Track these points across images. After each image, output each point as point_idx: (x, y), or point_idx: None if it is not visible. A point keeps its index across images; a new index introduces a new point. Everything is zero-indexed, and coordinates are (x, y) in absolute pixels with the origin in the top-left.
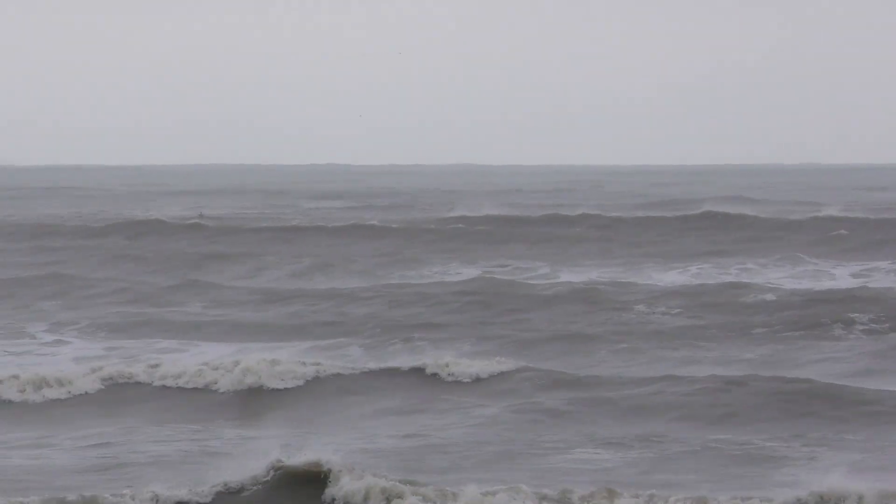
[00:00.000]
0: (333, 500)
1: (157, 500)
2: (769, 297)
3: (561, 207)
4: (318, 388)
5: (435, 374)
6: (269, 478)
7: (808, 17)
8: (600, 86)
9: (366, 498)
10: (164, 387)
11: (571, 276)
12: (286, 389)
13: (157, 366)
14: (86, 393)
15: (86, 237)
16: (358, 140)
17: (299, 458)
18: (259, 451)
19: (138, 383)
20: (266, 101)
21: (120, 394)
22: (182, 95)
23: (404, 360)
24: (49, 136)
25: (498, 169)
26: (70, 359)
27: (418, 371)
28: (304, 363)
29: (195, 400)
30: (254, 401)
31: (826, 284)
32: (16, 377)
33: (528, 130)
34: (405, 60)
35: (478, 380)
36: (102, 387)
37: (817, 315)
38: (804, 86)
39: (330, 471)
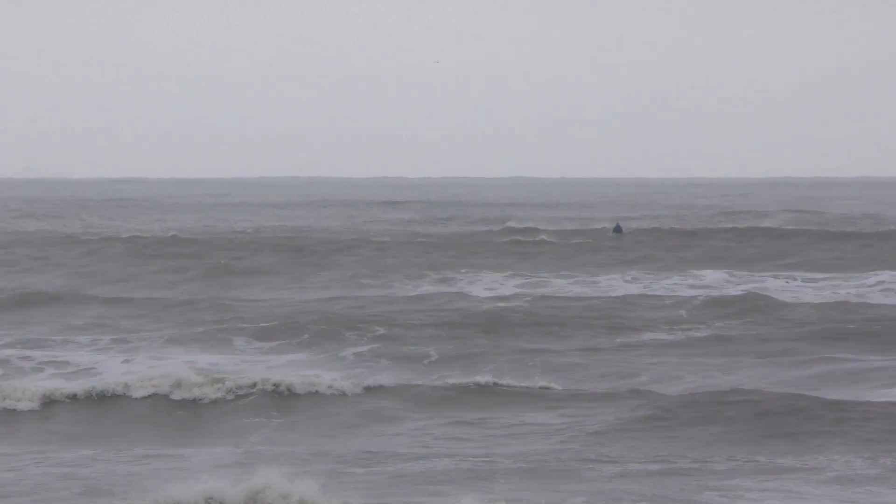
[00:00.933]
0: None
1: None
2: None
3: (602, 221)
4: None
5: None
6: None
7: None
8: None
9: None
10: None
11: (619, 287)
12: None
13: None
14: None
15: (116, 248)
16: (417, 153)
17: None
18: None
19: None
20: (334, 116)
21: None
22: (244, 111)
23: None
24: (104, 148)
25: (553, 181)
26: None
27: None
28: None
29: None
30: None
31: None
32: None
33: (582, 143)
34: (459, 74)
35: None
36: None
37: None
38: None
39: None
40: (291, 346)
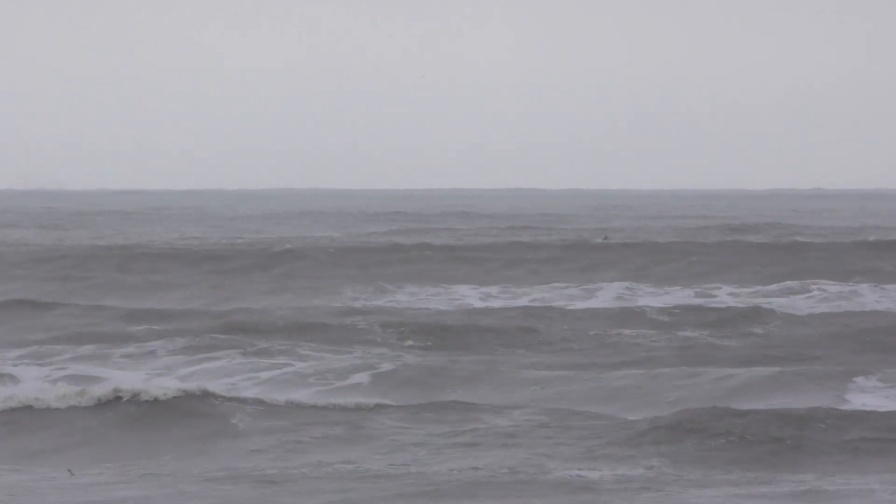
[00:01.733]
0: None
1: None
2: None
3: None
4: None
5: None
6: None
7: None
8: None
9: None
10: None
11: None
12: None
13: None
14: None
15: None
16: (421, 164)
17: None
18: None
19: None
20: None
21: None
22: (246, 123)
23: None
24: (104, 159)
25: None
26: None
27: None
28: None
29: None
30: None
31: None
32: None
33: (583, 153)
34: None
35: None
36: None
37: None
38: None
39: None
40: (268, 353)
